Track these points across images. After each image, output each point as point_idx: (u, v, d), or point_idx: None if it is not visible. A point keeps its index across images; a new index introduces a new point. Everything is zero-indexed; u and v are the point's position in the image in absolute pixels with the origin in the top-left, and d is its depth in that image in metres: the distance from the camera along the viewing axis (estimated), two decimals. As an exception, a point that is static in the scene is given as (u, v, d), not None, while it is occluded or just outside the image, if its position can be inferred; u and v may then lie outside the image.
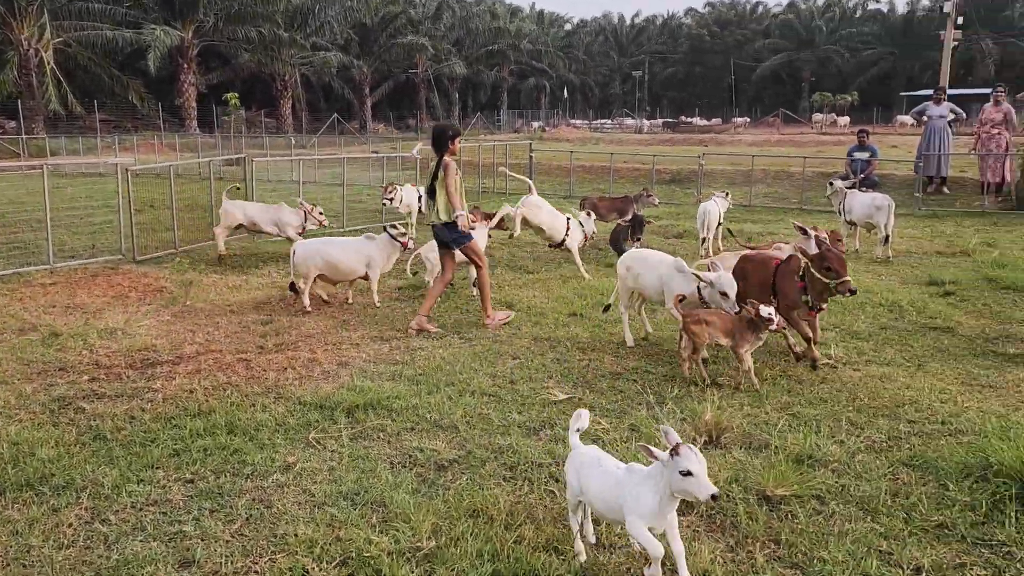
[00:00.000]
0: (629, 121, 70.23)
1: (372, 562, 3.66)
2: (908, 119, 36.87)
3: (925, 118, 17.03)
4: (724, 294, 6.26)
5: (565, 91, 78.65)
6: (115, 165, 13.32)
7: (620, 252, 10.14)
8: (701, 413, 5.14)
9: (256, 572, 3.66)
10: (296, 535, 3.91)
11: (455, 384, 6.03)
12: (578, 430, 3.84)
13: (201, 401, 5.62)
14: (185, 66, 43.78)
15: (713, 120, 69.90)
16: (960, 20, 38.02)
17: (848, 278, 5.90)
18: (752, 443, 4.98)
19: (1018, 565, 3.66)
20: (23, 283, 9.60)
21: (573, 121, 73.15)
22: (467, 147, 23.12)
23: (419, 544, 3.80)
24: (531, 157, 19.87)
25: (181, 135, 37.46)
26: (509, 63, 74.79)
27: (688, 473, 3.19)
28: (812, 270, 6.00)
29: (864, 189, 15.48)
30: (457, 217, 7.39)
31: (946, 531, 3.95)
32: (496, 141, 27.29)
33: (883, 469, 4.61)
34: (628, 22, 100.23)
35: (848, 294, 5.92)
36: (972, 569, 3.64)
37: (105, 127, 40.52)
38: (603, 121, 73.32)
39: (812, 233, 7.46)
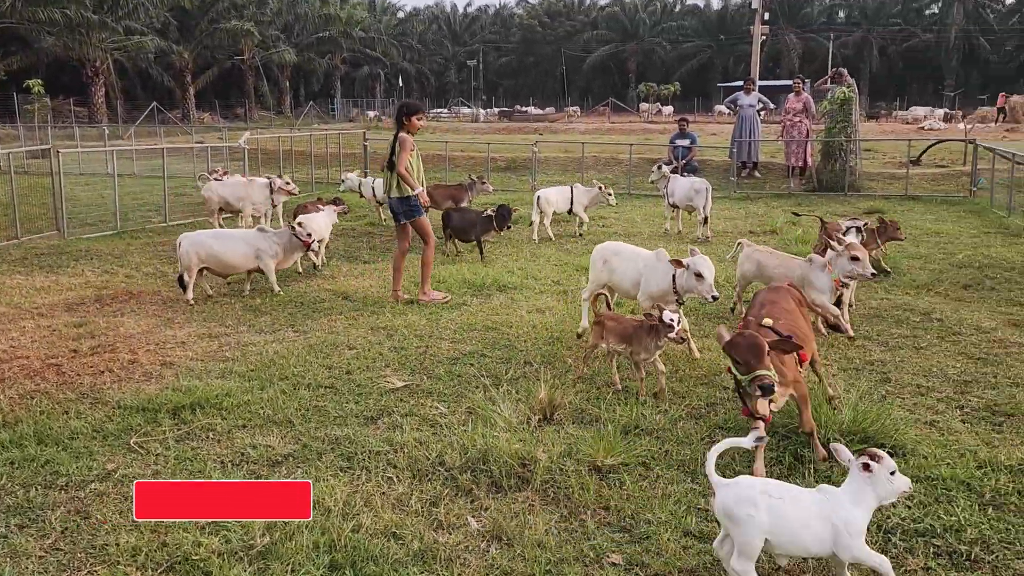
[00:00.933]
0: (466, 110, 70.48)
1: (202, 564, 3.53)
2: (724, 108, 39.21)
3: (737, 107, 18.20)
4: (699, 275, 5.94)
5: (400, 80, 77.84)
6: None
7: (479, 242, 10.20)
8: (536, 392, 5.30)
9: (73, 587, 3.44)
10: (118, 544, 3.69)
11: (289, 378, 5.89)
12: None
13: (6, 412, 5.18)
14: (-22, 50, 39.77)
15: (547, 109, 71.45)
16: (767, 16, 40.88)
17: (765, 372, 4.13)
18: (584, 418, 5.18)
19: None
20: None
21: (409, 110, 72.49)
22: (300, 137, 22.46)
23: (252, 542, 3.70)
24: (365, 147, 19.57)
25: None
26: (341, 51, 73.07)
27: (894, 472, 3.28)
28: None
29: (685, 174, 16.37)
30: (415, 194, 7.95)
31: (756, 485, 4.29)
32: (329, 131, 26.65)
33: (702, 433, 4.94)
34: (461, 11, 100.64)
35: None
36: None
37: None
38: (440, 110, 73.21)
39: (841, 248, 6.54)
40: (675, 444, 4.78)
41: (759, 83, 22.17)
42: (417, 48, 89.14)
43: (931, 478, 4.30)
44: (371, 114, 62.55)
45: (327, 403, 5.42)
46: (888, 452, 4.37)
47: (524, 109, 71.85)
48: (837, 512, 3.19)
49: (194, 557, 3.57)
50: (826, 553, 3.22)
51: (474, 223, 10.29)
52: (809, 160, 16.96)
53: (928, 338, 6.90)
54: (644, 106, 66.27)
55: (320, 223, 9.48)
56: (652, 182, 13.89)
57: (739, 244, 7.77)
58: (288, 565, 3.54)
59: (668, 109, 63.30)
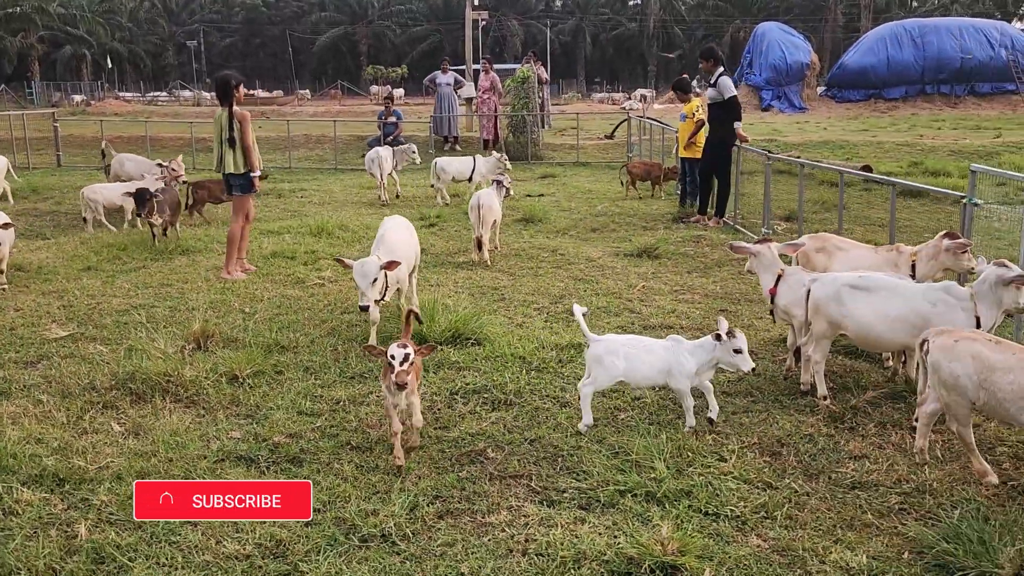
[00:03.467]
0: (187, 94, 66.98)
1: None
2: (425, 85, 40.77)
3: (436, 86, 19.61)
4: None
5: (109, 61, 72.02)
6: None
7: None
8: (190, 325, 6.01)
9: None
10: None
11: (-54, 338, 6.09)
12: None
13: None
14: None
15: (275, 92, 69.65)
16: (476, 2, 43.26)
17: None
18: (235, 344, 5.97)
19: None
20: None
21: (123, 94, 67.54)
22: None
23: None
24: (55, 128, 18.59)
25: None
26: (37, 28, 66.11)
27: (739, 351, 4.34)
28: None
29: (395, 148, 17.47)
30: (254, 173, 8.16)
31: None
32: (24, 115, 24.64)
33: (331, 343, 5.95)
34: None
35: None
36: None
37: None
38: (158, 93, 68.89)
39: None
40: (307, 355, 5.75)
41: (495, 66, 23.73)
42: (128, 27, 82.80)
43: (500, 355, 5.62)
44: (77, 98, 57.43)
45: (-14, 354, 5.75)
46: (474, 342, 5.68)
47: (251, 92, 69.58)
48: (676, 357, 4.47)
49: None
50: (661, 383, 4.54)
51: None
52: (500, 133, 18.73)
53: (546, 267, 8.47)
54: (374, 88, 66.90)
55: None
56: (362, 156, 14.77)
57: None
58: (-73, 470, 4.02)
59: (399, 92, 64.46)
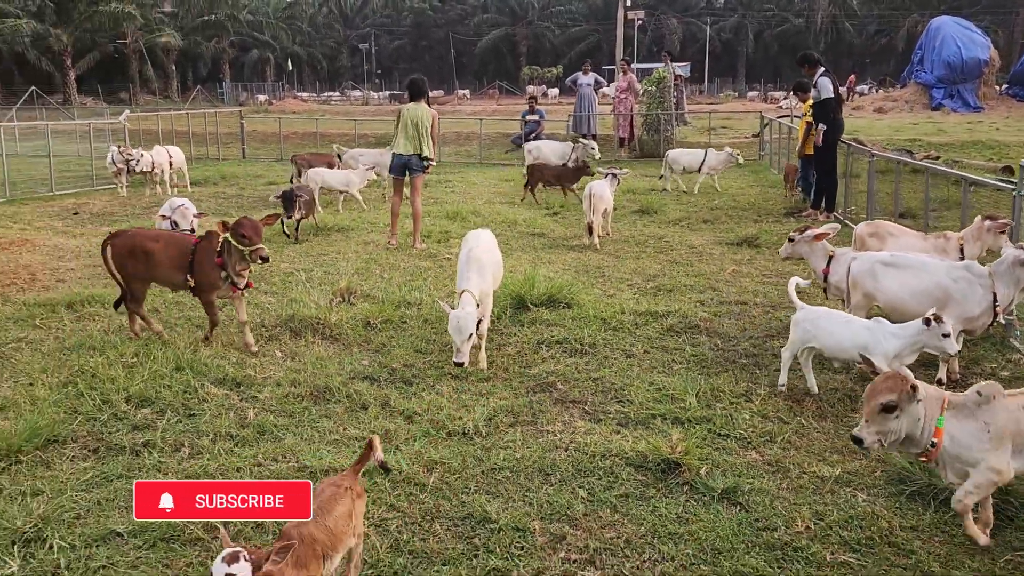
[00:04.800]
0: (357, 93, 71.56)
1: None
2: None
3: (577, 86, 20.68)
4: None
5: (289, 63, 77.96)
6: None
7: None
8: (338, 284, 7.41)
9: None
10: None
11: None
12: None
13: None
14: None
15: (436, 92, 72.97)
16: (630, 2, 43.90)
17: (261, 245, 5.81)
18: (370, 299, 7.29)
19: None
20: None
21: (300, 94, 72.96)
22: (179, 116, 23.72)
23: None
24: (242, 125, 21.16)
25: None
26: (229, 34, 72.71)
27: (947, 335, 4.48)
28: (232, 241, 5.84)
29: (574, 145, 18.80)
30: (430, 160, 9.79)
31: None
32: (216, 112, 27.85)
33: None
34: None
35: (261, 261, 5.88)
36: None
37: None
38: (332, 93, 73.95)
39: None
40: (428, 311, 6.97)
41: (642, 66, 24.65)
42: (308, 31, 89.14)
43: (584, 316, 6.63)
44: (261, 98, 62.87)
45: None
46: (565, 305, 6.73)
47: (415, 92, 73.21)
48: (876, 337, 4.66)
49: None
50: (855, 358, 4.56)
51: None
52: (635, 132, 19.54)
53: (650, 252, 9.35)
54: (530, 88, 68.84)
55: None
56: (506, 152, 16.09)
57: None
58: (148, 370, 5.52)
59: (554, 91, 65.98)
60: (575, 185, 12.68)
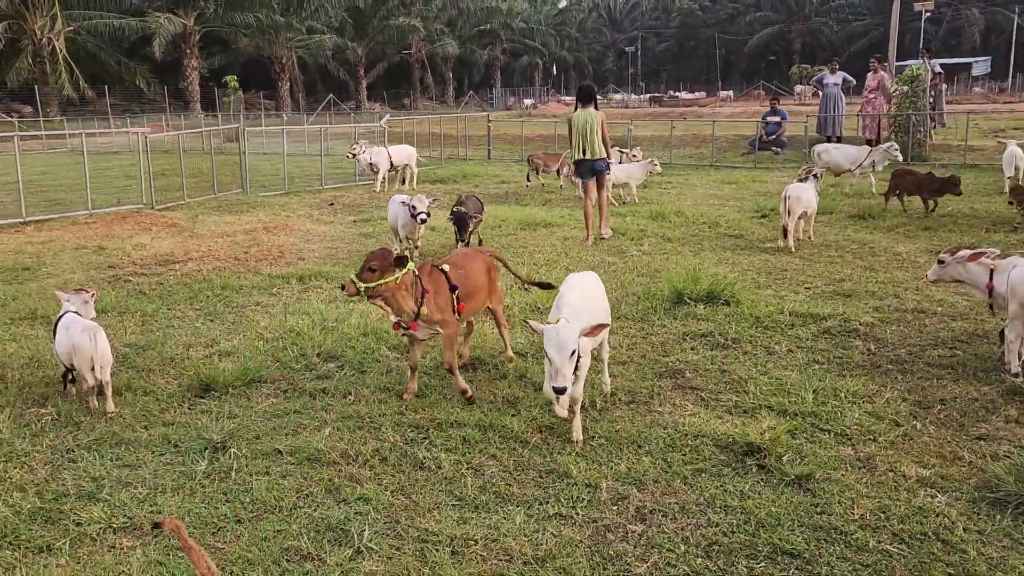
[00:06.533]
0: (617, 96, 72.74)
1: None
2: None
3: (823, 86, 19.82)
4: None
5: (555, 68, 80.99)
6: (135, 133, 16.32)
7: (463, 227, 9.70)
8: (527, 271, 8.12)
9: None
10: (264, 325, 6.91)
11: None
12: None
13: (205, 275, 8.65)
14: (188, 51, 46.77)
15: (697, 94, 72.25)
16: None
17: None
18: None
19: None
20: (69, 222, 12.61)
21: (563, 98, 75.60)
22: (434, 119, 26.00)
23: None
24: (489, 127, 22.79)
25: (186, 116, 40.36)
26: (501, 42, 77.20)
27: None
28: None
29: (774, 149, 18.43)
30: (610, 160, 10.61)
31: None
32: (465, 117, 30.07)
33: (631, 292, 7.59)
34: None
35: None
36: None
37: (114, 111, 43.38)
38: (594, 97, 75.63)
39: None
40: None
41: (897, 64, 23.13)
42: (575, 37, 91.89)
43: (739, 314, 6.77)
44: (527, 102, 66.15)
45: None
46: (723, 302, 6.95)
47: (676, 94, 73.06)
48: None
49: (295, 327, 6.70)
50: None
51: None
52: (882, 133, 18.36)
53: (846, 258, 9.08)
54: (798, 88, 65.74)
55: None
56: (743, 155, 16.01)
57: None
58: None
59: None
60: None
